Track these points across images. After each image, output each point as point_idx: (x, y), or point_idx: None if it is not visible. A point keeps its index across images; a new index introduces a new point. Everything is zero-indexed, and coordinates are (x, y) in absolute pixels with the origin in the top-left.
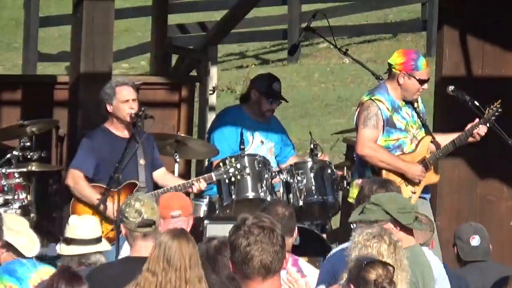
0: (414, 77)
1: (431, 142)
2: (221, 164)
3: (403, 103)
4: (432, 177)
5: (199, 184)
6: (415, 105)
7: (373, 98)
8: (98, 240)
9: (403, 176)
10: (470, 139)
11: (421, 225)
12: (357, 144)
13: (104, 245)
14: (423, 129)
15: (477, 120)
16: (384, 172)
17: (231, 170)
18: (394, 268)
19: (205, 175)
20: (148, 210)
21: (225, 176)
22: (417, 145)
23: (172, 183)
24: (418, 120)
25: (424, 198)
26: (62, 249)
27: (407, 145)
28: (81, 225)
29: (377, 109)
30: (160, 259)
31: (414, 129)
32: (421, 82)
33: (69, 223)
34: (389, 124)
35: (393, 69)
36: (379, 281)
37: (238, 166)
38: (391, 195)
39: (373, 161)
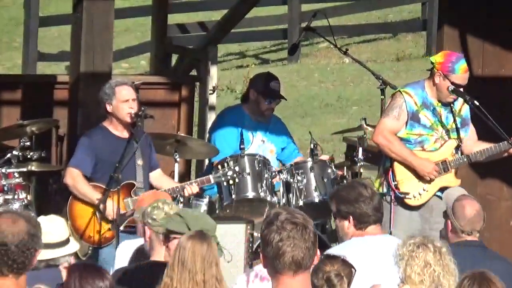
0: (449, 80)
1: (457, 147)
2: (219, 166)
3: (439, 103)
4: (451, 180)
5: (191, 188)
6: (454, 108)
7: (401, 90)
8: (66, 242)
9: (415, 171)
10: (507, 154)
11: (221, 252)
12: (374, 131)
13: (72, 246)
14: (455, 133)
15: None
16: (395, 163)
17: (230, 173)
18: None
19: (203, 178)
20: None
21: (223, 179)
22: (441, 145)
23: (166, 186)
24: (454, 123)
25: (441, 198)
26: None
27: (430, 142)
28: (50, 229)
29: (402, 101)
30: (176, 262)
31: (443, 129)
32: (455, 86)
33: None
34: (413, 118)
35: (433, 68)
36: (327, 271)
37: (237, 169)
38: (198, 215)
39: (385, 151)
